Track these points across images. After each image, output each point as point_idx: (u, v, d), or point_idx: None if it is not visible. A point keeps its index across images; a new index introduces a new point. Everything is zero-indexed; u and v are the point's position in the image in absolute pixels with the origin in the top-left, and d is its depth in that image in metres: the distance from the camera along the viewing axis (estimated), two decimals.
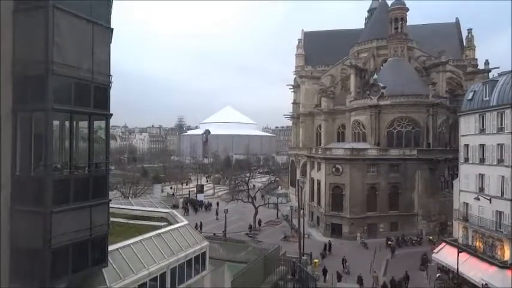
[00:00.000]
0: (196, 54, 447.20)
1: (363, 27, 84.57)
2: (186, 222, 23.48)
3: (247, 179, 62.29)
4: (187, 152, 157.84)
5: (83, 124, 15.30)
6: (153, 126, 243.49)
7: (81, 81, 14.66)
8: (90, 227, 14.95)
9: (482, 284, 29.38)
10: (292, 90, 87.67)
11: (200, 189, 77.85)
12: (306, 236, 47.61)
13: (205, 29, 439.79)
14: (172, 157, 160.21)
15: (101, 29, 15.34)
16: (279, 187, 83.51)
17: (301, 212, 45.18)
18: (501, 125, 31.91)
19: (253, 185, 74.53)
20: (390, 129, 58.53)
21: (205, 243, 22.70)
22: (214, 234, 44.66)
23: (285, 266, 30.00)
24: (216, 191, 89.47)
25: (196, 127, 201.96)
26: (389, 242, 48.03)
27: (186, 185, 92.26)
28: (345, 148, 54.93)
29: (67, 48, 14.48)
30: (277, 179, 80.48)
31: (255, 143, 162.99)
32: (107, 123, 16.26)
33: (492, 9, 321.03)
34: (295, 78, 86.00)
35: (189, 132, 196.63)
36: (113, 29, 15.99)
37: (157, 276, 18.17)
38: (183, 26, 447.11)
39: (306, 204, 61.51)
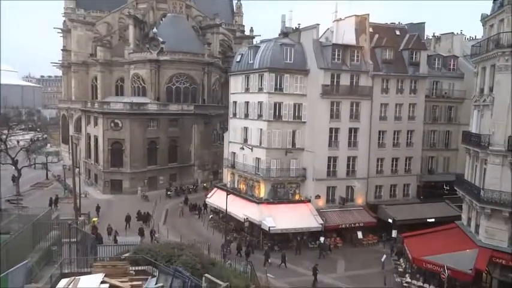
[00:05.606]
0: None
1: None
2: None
3: (4, 136, 52.05)
4: None
5: None
6: None
7: None
8: None
9: (244, 219, 35.28)
10: (62, 35, 76.68)
11: None
12: (83, 195, 44.85)
13: None
14: None
15: None
16: (48, 145, 74.12)
17: (77, 170, 41.82)
18: (261, 85, 37.58)
19: (18, 142, 63.27)
20: (169, 85, 60.05)
21: None
22: None
23: (59, 229, 27.63)
24: None
25: None
26: (168, 193, 51.09)
27: None
28: (125, 102, 53.22)
29: None
30: (46, 135, 70.95)
31: (14, 95, 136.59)
32: None
33: None
34: (64, 21, 75.17)
35: None
36: None
37: None
38: None
39: (81, 162, 57.17)
